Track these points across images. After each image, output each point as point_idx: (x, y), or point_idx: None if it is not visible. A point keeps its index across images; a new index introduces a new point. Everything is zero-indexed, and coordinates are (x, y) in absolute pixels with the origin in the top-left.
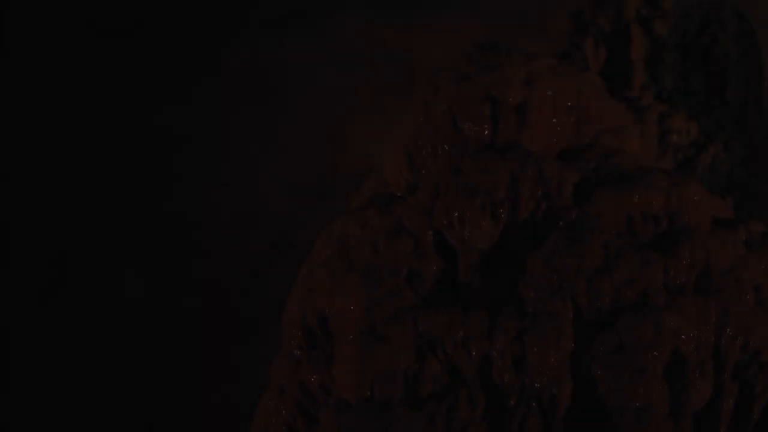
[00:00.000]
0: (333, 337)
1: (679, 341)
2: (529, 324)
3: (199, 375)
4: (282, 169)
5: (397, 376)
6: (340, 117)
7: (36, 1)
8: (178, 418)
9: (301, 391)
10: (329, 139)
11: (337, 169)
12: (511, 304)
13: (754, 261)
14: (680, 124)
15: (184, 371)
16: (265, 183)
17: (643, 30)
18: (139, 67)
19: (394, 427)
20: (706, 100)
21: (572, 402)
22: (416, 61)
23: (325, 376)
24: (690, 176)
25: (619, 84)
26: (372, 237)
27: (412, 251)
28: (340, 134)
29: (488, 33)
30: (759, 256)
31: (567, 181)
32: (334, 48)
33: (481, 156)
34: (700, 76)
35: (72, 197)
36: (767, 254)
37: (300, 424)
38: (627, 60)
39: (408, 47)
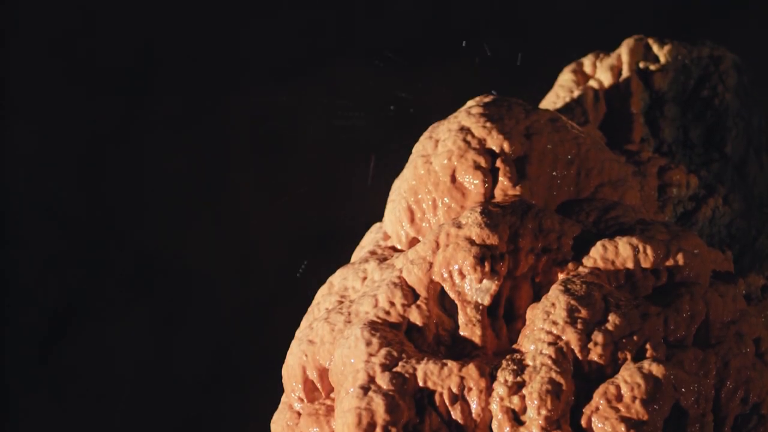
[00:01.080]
0: (333, 390)
1: (679, 394)
2: (529, 377)
3: (195, 427)
4: (281, 219)
5: (398, 429)
6: (340, 167)
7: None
8: None
9: None
10: (329, 189)
11: (337, 220)
12: (511, 357)
13: (754, 314)
14: (680, 177)
15: (182, 424)
16: (264, 232)
17: (643, 83)
18: (141, 109)
19: None
20: (706, 153)
21: None
22: (418, 111)
23: (326, 430)
24: (690, 229)
25: (619, 137)
26: (372, 291)
27: (412, 304)
28: (341, 184)
29: (488, 85)
30: (759, 309)
31: (567, 235)
32: (335, 96)
33: (480, 210)
34: (700, 129)
35: (71, 245)
36: (767, 307)
37: None
38: (626, 113)
39: (410, 97)
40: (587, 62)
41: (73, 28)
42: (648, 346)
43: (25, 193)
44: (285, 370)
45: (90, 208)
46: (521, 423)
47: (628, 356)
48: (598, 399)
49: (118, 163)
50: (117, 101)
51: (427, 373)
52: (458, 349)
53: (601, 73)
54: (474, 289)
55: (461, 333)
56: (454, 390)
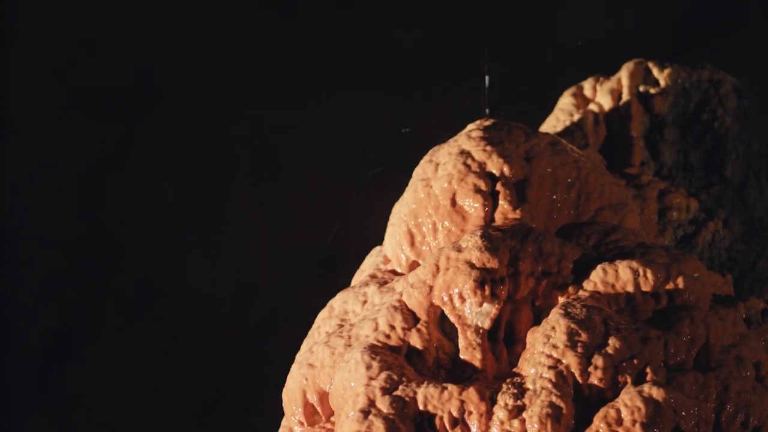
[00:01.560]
0: (333, 414)
1: (680, 418)
2: (530, 401)
3: None
4: (281, 242)
5: None
6: (340, 190)
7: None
8: None
9: None
10: (329, 212)
11: (337, 243)
12: (511, 380)
13: (754, 337)
14: (680, 200)
15: None
16: (264, 255)
17: (643, 107)
18: (140, 132)
19: None
20: (706, 176)
21: None
22: (418, 135)
23: None
24: (690, 253)
25: (619, 160)
26: (372, 314)
27: (412, 328)
28: (341, 207)
29: (489, 108)
30: (759, 333)
31: (567, 258)
32: (335, 119)
33: (480, 233)
34: (700, 152)
35: (70, 267)
36: (767, 331)
37: None
38: (626, 137)
39: (410, 120)
40: (587, 86)
41: (73, 51)
42: (648, 369)
43: (25, 215)
44: (285, 394)
45: (89, 230)
46: None
47: (629, 380)
48: (598, 423)
49: (118, 185)
50: (116, 124)
51: (428, 396)
52: (458, 373)
53: (601, 96)
54: (474, 312)
55: (461, 356)
56: (455, 414)
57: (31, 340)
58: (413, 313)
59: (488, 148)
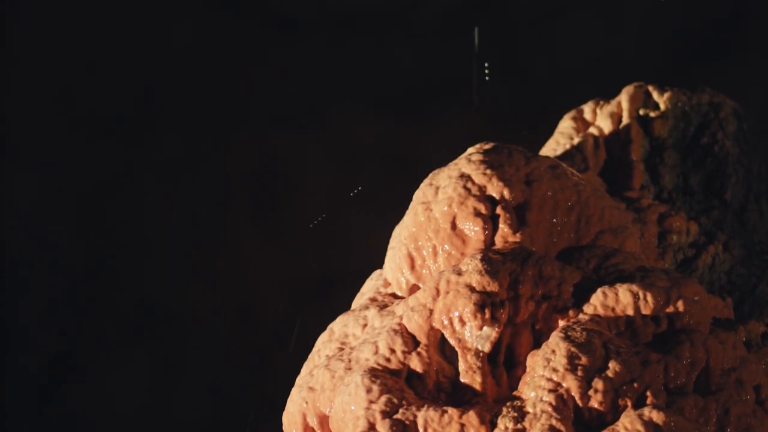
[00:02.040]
0: None
1: None
2: (530, 424)
3: None
4: (281, 265)
5: None
6: (340, 213)
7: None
8: None
9: None
10: (329, 235)
11: (338, 267)
12: (511, 404)
13: (754, 361)
14: (680, 224)
15: None
16: (264, 279)
17: (643, 130)
18: (140, 158)
19: None
20: (706, 200)
21: None
22: (418, 158)
23: None
24: (690, 276)
25: (619, 184)
26: (372, 338)
27: (412, 351)
28: (341, 231)
29: (488, 131)
30: (759, 356)
31: (567, 281)
32: (333, 143)
33: (480, 257)
34: (700, 175)
35: (70, 292)
36: (767, 354)
37: None
38: (626, 160)
39: (409, 144)
40: (587, 109)
41: (74, 74)
42: (648, 393)
43: (25, 240)
44: (285, 417)
45: (89, 253)
46: None
47: (629, 403)
48: None
49: (118, 210)
50: (116, 150)
51: (428, 420)
52: (459, 396)
53: (601, 120)
54: (474, 336)
55: (462, 380)
56: None
57: (31, 363)
58: (413, 337)
59: (488, 171)
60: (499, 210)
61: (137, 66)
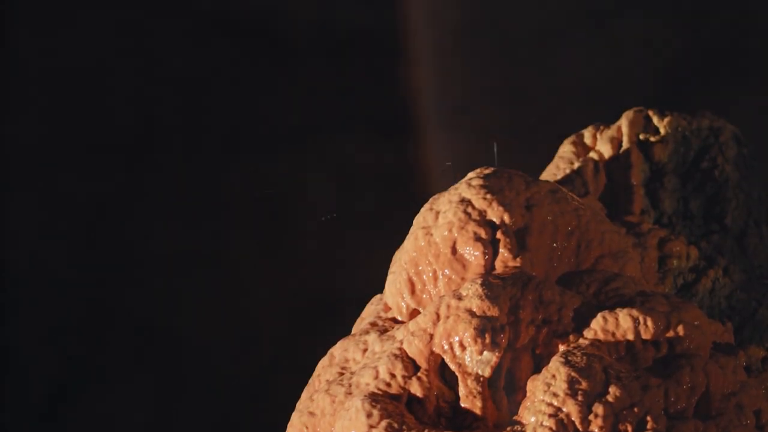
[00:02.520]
0: None
1: None
2: None
3: None
4: (282, 290)
5: None
6: (341, 238)
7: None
8: None
9: None
10: (329, 260)
11: (338, 291)
12: (511, 428)
13: (754, 385)
14: (680, 248)
15: None
16: (264, 303)
17: (643, 155)
18: (140, 179)
19: None
20: (706, 224)
21: None
22: (418, 182)
23: None
24: (690, 301)
25: (619, 208)
26: (373, 362)
27: (413, 376)
28: (341, 255)
29: (488, 156)
30: (759, 381)
31: (567, 306)
32: (334, 167)
33: (481, 281)
34: (700, 200)
35: (71, 315)
36: (767, 379)
37: None
38: (627, 185)
39: (410, 167)
40: (587, 134)
41: (74, 99)
42: (648, 418)
43: (26, 264)
44: None
45: (89, 279)
46: None
47: (629, 428)
48: None
49: (118, 233)
50: (116, 172)
51: None
52: (459, 421)
53: (601, 144)
54: (475, 360)
55: (462, 404)
56: None
57: (31, 386)
58: (414, 361)
59: (488, 196)
60: (499, 234)
61: (138, 88)
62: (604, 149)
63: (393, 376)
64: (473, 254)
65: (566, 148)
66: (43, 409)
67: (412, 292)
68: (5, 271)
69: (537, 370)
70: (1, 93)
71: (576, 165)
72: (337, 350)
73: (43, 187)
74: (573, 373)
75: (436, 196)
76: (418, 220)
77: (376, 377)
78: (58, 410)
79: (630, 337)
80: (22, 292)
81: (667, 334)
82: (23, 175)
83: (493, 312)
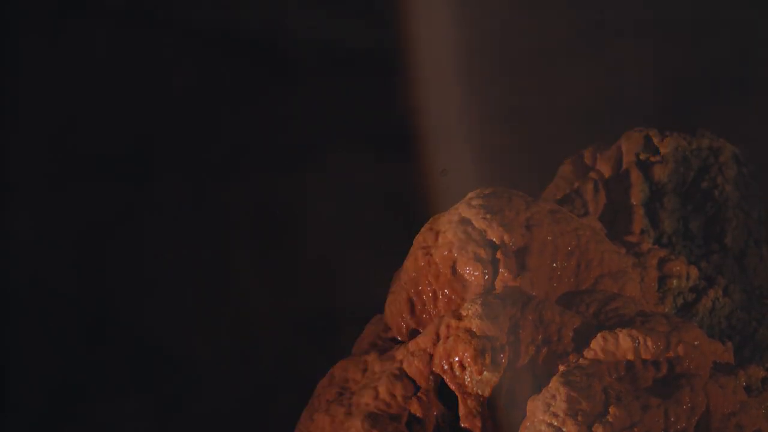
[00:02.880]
0: None
1: None
2: None
3: None
4: (282, 309)
5: None
6: (342, 256)
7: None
8: None
9: None
10: (329, 279)
11: (338, 311)
12: None
13: (754, 405)
14: (680, 268)
15: None
16: (265, 322)
17: (643, 175)
18: (141, 196)
19: None
20: (706, 244)
21: None
22: (418, 201)
23: None
24: (690, 321)
25: (619, 228)
26: (373, 382)
27: (412, 396)
28: (341, 274)
29: (489, 175)
30: (759, 401)
31: (567, 326)
32: (334, 185)
33: (481, 301)
34: (700, 220)
35: (71, 329)
36: (767, 398)
37: None
38: (627, 205)
39: (410, 187)
40: (587, 154)
41: (74, 115)
42: None
43: (27, 278)
44: None
45: (89, 294)
46: None
47: None
48: None
49: (119, 248)
50: (117, 188)
51: None
52: None
53: (601, 164)
54: (475, 380)
55: (462, 424)
56: None
57: (31, 405)
58: (414, 381)
59: (488, 216)
60: (499, 255)
61: (138, 107)
62: (604, 169)
63: (393, 396)
64: (473, 274)
65: (566, 168)
66: (42, 421)
67: (412, 312)
68: (4, 283)
69: (537, 390)
70: (3, 106)
71: (576, 185)
72: (338, 370)
73: (44, 200)
74: (573, 393)
75: (436, 216)
76: (418, 240)
77: (376, 397)
78: (55, 426)
79: (630, 357)
80: (21, 310)
81: (667, 354)
82: (21, 190)
83: (493, 332)
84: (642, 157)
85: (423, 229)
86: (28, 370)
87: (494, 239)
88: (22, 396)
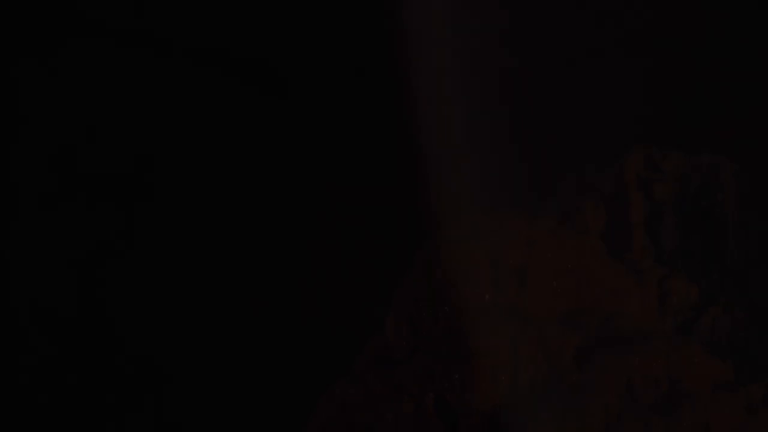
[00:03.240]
0: None
1: None
2: None
3: None
4: (281, 326)
5: None
6: (340, 275)
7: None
8: None
9: None
10: (329, 299)
11: (338, 329)
12: None
13: (754, 423)
14: (680, 286)
15: None
16: (264, 340)
17: (643, 192)
18: (140, 218)
19: None
20: (706, 262)
21: None
22: (419, 219)
23: None
24: (690, 339)
25: (619, 246)
26: (374, 400)
27: (413, 413)
28: (339, 294)
29: (490, 193)
30: (759, 419)
31: (568, 344)
32: (336, 208)
33: (482, 319)
34: (700, 238)
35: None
36: (767, 416)
37: None
38: (627, 222)
39: (415, 205)
40: (588, 170)
41: (74, 137)
42: None
43: (25, 301)
44: None
45: (87, 315)
46: None
47: None
48: None
49: (118, 271)
50: (116, 210)
51: None
52: None
53: (601, 181)
54: (476, 398)
55: None
56: None
57: (31, 421)
58: (414, 399)
59: (490, 234)
60: (500, 272)
61: (136, 130)
62: (604, 186)
63: (393, 414)
64: (474, 292)
65: (568, 185)
66: None
67: (413, 329)
68: (3, 305)
69: (537, 408)
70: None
71: (576, 202)
72: (339, 388)
73: (42, 222)
74: (574, 411)
75: (437, 233)
76: (419, 258)
77: (377, 415)
78: None
79: (630, 375)
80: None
81: (668, 372)
82: (20, 209)
83: (494, 350)
84: (643, 174)
85: (425, 246)
86: (27, 394)
87: (495, 257)
88: (22, 418)
